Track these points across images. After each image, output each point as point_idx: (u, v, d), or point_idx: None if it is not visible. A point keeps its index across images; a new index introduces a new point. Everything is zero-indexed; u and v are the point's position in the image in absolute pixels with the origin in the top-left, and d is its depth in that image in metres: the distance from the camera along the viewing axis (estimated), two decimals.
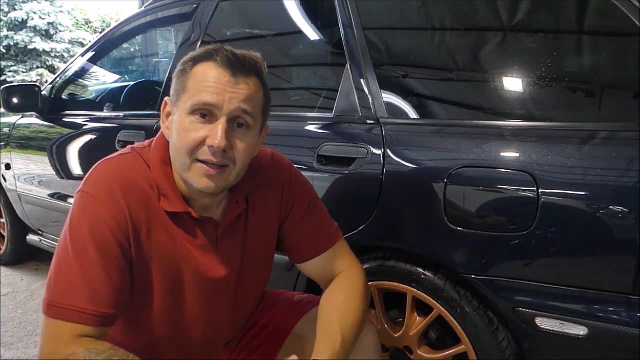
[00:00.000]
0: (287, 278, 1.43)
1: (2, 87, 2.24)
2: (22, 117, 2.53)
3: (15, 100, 2.22)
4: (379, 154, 1.27)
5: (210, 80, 0.81)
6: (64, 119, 2.30)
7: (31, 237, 2.59)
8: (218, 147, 0.80)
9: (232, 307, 1.00)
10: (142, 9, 2.25)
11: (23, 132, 2.51)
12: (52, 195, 2.29)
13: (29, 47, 11.98)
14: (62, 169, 2.22)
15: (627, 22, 1.08)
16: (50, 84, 2.42)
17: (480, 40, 1.32)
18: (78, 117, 2.25)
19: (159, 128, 1.76)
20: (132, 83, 2.60)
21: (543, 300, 1.10)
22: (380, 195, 1.26)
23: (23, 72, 11.95)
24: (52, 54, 12.22)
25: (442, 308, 1.24)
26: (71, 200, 2.17)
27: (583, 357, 1.09)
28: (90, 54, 2.38)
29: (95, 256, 0.80)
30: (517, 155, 1.12)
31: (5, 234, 2.76)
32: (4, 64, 11.95)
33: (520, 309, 1.12)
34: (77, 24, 13.78)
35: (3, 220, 2.76)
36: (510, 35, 1.26)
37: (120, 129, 1.92)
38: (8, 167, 2.55)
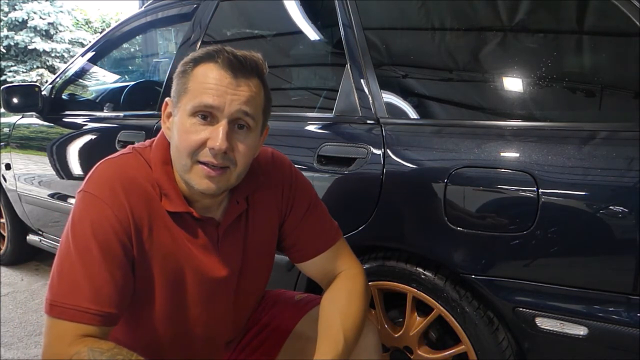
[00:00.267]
0: (287, 278, 1.43)
1: (2, 87, 2.24)
2: (22, 117, 2.53)
3: (15, 100, 2.22)
4: (379, 154, 1.28)
5: (211, 82, 0.81)
6: (64, 119, 2.30)
7: (31, 237, 2.59)
8: (219, 149, 0.80)
9: (232, 307, 1.01)
10: (142, 9, 2.25)
11: (23, 132, 2.51)
12: (52, 195, 2.29)
13: (29, 47, 11.99)
14: (62, 169, 2.22)
15: (627, 22, 1.08)
16: (50, 84, 2.42)
17: (480, 40, 1.32)
18: (78, 117, 2.25)
19: (159, 128, 1.76)
20: (132, 83, 2.60)
21: (543, 300, 1.10)
22: (380, 195, 1.26)
23: (23, 72, 11.96)
24: (52, 54, 12.23)
25: (442, 308, 1.24)
26: (71, 200, 2.17)
27: (583, 357, 1.09)
28: (90, 54, 2.38)
29: (98, 256, 0.80)
30: (517, 155, 1.12)
31: (5, 234, 2.76)
32: (4, 64, 11.96)
33: (520, 309, 1.12)
34: (77, 24, 13.78)
35: (3, 220, 2.76)
36: (510, 35, 1.26)
37: (120, 129, 1.92)
38: (8, 167, 2.55)
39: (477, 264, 1.15)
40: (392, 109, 1.34)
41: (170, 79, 1.84)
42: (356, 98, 1.38)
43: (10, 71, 11.93)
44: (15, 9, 11.97)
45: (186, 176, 0.85)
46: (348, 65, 1.41)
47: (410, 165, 1.24)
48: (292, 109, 1.64)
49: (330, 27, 1.58)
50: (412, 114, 1.34)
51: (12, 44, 11.99)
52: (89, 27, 14.34)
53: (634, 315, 1.01)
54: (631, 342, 1.01)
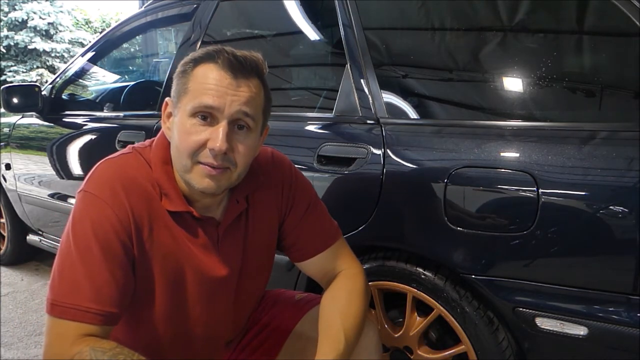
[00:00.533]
0: (287, 278, 1.43)
1: (2, 87, 2.24)
2: (22, 117, 2.53)
3: (15, 100, 2.22)
4: (379, 154, 1.28)
5: (211, 83, 0.81)
6: (64, 119, 2.30)
7: (31, 237, 2.59)
8: (219, 150, 0.80)
9: (233, 307, 1.01)
10: (142, 9, 2.25)
11: (23, 132, 2.51)
12: (52, 195, 2.29)
13: (29, 47, 11.99)
14: (62, 169, 2.22)
15: (627, 22, 1.08)
16: (50, 84, 2.42)
17: (480, 40, 1.32)
18: (78, 117, 2.25)
19: (158, 128, 1.76)
20: (132, 83, 2.60)
21: (543, 300, 1.10)
22: (380, 195, 1.26)
23: (23, 72, 11.95)
24: (52, 54, 12.23)
25: (442, 308, 1.24)
26: (71, 200, 2.17)
27: (583, 357, 1.09)
28: (90, 54, 2.38)
29: (99, 255, 0.80)
30: (517, 155, 1.12)
31: (5, 234, 2.76)
32: (4, 64, 11.96)
33: (520, 309, 1.12)
34: (77, 24, 13.78)
35: (3, 220, 2.76)
36: (510, 35, 1.26)
37: (120, 129, 1.92)
38: (8, 167, 2.55)
39: (477, 264, 1.15)
40: (392, 109, 1.34)
41: (170, 79, 1.84)
42: (356, 98, 1.38)
43: (10, 71, 11.93)
44: (15, 9, 11.96)
45: (187, 176, 0.85)
46: (348, 65, 1.41)
47: (410, 165, 1.24)
48: (292, 109, 1.64)
49: (330, 27, 1.58)
50: (412, 114, 1.34)
51: (12, 44, 11.99)
52: (89, 27, 14.34)
53: (634, 315, 1.01)
54: (631, 342, 1.01)
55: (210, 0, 1.82)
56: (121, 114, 2.11)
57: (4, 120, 2.64)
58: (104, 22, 14.66)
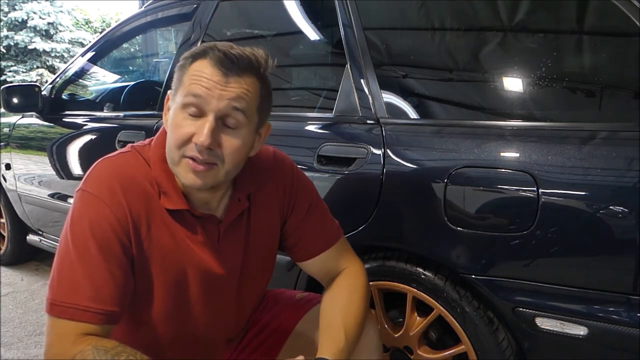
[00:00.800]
0: (287, 278, 1.43)
1: (2, 87, 2.24)
2: (22, 117, 2.53)
3: (15, 100, 2.22)
4: (379, 154, 1.28)
5: (203, 76, 0.80)
6: (64, 119, 2.30)
7: (31, 237, 2.59)
8: (201, 145, 0.79)
9: (234, 306, 1.01)
10: (142, 9, 2.25)
11: (23, 132, 2.51)
12: (52, 195, 2.29)
13: (29, 47, 11.99)
14: (62, 169, 2.22)
15: (627, 22, 1.08)
16: (50, 84, 2.42)
17: (480, 40, 1.32)
18: (78, 117, 2.25)
19: (158, 128, 1.76)
20: (132, 83, 2.60)
21: (543, 300, 1.10)
22: (380, 195, 1.26)
23: (23, 72, 11.95)
24: (52, 54, 12.23)
25: (442, 308, 1.24)
26: (71, 200, 2.17)
27: (583, 357, 1.09)
28: (90, 54, 2.38)
29: (97, 254, 0.80)
30: (517, 155, 1.12)
31: (5, 234, 2.76)
32: (4, 64, 11.96)
33: (520, 309, 1.12)
34: (77, 24, 13.78)
35: (3, 220, 2.76)
36: (510, 35, 1.26)
37: (120, 129, 1.92)
38: (8, 167, 2.55)
39: (477, 264, 1.15)
40: (392, 109, 1.34)
41: (170, 79, 1.85)
42: (356, 98, 1.38)
43: (10, 71, 11.93)
44: (15, 9, 11.96)
45: (175, 169, 0.85)
46: (348, 65, 1.41)
47: (410, 165, 1.24)
48: (292, 109, 1.64)
49: (330, 27, 1.58)
50: (412, 114, 1.34)
51: (12, 44, 11.99)
52: (89, 27, 14.34)
53: (634, 315, 1.01)
54: (631, 342, 1.01)
55: (210, 0, 1.82)
56: (121, 114, 2.11)
57: (4, 120, 2.64)
58: (104, 22, 14.65)
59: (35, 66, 12.12)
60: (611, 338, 1.04)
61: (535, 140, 1.12)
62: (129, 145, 0.93)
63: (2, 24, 11.87)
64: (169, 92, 0.89)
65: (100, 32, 10.85)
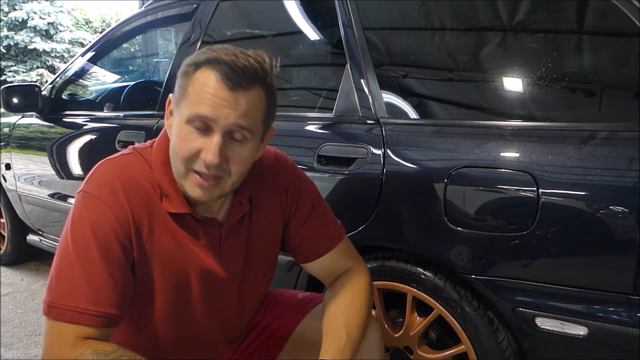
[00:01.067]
0: (287, 278, 1.43)
1: (2, 87, 2.24)
2: (22, 117, 2.53)
3: (15, 100, 2.22)
4: (379, 154, 1.27)
5: (209, 92, 0.78)
6: (64, 119, 2.30)
7: (31, 237, 2.59)
8: (211, 164, 0.79)
9: (235, 308, 1.00)
10: (142, 9, 2.25)
11: (23, 132, 2.51)
12: (52, 195, 2.29)
13: (29, 47, 11.98)
14: (62, 169, 2.22)
15: (627, 22, 1.08)
16: (50, 84, 2.42)
17: (480, 40, 1.32)
18: (78, 117, 2.25)
19: (158, 128, 1.76)
20: (132, 83, 2.60)
21: (543, 300, 1.10)
22: (380, 195, 1.26)
23: (23, 72, 11.95)
24: (52, 54, 12.22)
25: (442, 308, 1.24)
26: (71, 200, 2.17)
27: (583, 357, 1.09)
28: (90, 54, 2.38)
29: (97, 256, 0.79)
30: (517, 155, 1.12)
31: (5, 234, 2.76)
32: (4, 64, 11.95)
33: (520, 309, 1.12)
34: (77, 24, 13.78)
35: (3, 220, 2.76)
36: (510, 35, 1.26)
37: (120, 129, 1.92)
38: (8, 167, 2.55)
39: (477, 264, 1.15)
40: (392, 109, 1.34)
41: (170, 79, 1.85)
42: (356, 98, 1.38)
43: (10, 71, 11.92)
44: (15, 9, 11.96)
45: (181, 181, 0.85)
46: (348, 65, 1.41)
47: (410, 165, 1.24)
48: (292, 109, 1.64)
49: (330, 27, 1.58)
50: (412, 114, 1.34)
51: (12, 44, 11.99)
52: (89, 27, 14.34)
53: (634, 315, 1.01)
54: (631, 342, 1.01)
55: (210, 0, 1.82)
56: (121, 114, 2.11)
57: (4, 120, 2.64)
58: (104, 22, 14.65)
59: (35, 66, 12.11)
60: (611, 338, 1.04)
61: (535, 140, 1.12)
62: (131, 147, 0.92)
63: (2, 24, 11.86)
64: (170, 95, 0.88)
65: (100, 32, 10.86)
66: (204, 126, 0.80)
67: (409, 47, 1.44)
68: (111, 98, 2.56)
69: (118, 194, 0.82)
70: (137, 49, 3.38)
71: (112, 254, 0.81)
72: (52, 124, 2.34)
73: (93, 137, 2.11)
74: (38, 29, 12.09)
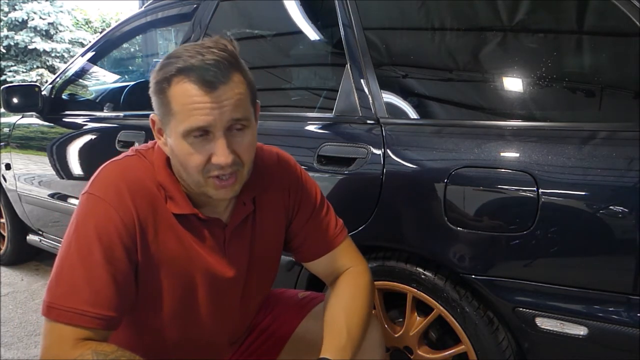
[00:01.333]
0: (287, 277, 1.43)
1: (2, 87, 2.24)
2: (22, 117, 2.53)
3: (15, 100, 2.22)
4: (379, 154, 1.27)
5: (194, 102, 0.77)
6: (64, 119, 2.30)
7: (31, 237, 2.59)
8: (225, 164, 0.80)
9: (239, 308, 1.00)
10: (142, 9, 2.25)
11: (23, 132, 2.51)
12: (52, 195, 2.28)
13: (29, 47, 11.99)
14: (62, 169, 2.22)
15: (627, 22, 1.08)
16: (50, 84, 2.42)
17: (480, 40, 1.32)
18: (78, 117, 2.25)
19: None
20: (132, 83, 2.60)
21: (543, 300, 1.10)
22: (380, 195, 1.26)
23: (23, 72, 11.95)
24: (52, 54, 12.23)
25: (442, 308, 1.24)
26: (71, 201, 2.17)
27: (583, 357, 1.09)
28: (90, 54, 2.38)
29: (100, 258, 0.79)
30: (517, 155, 1.12)
31: (5, 234, 2.76)
32: (4, 64, 11.95)
33: (520, 309, 1.12)
34: (77, 24, 13.78)
35: (3, 220, 2.76)
36: (510, 35, 1.26)
37: (120, 129, 1.92)
38: (8, 167, 2.55)
39: (477, 264, 1.15)
40: (392, 109, 1.34)
41: None
42: (356, 98, 1.38)
43: (10, 71, 11.92)
44: (15, 9, 11.96)
45: (202, 189, 0.84)
46: (348, 65, 1.41)
47: (410, 165, 1.24)
48: (292, 109, 1.64)
49: (330, 27, 1.58)
50: (412, 114, 1.34)
51: (12, 44, 11.99)
52: (89, 27, 14.34)
53: (634, 315, 1.01)
54: (631, 342, 1.01)
55: (210, 0, 1.82)
56: (121, 114, 2.11)
57: (4, 120, 2.64)
58: (104, 22, 14.65)
59: (35, 66, 12.12)
60: (611, 338, 1.04)
61: (535, 140, 1.12)
62: (132, 148, 0.92)
63: (2, 24, 11.86)
64: (152, 115, 0.86)
65: (100, 32, 10.85)
66: (203, 133, 0.79)
67: (409, 47, 1.44)
68: (111, 98, 2.56)
69: (124, 196, 0.82)
70: (137, 49, 3.38)
71: (115, 256, 0.80)
72: (52, 124, 2.34)
73: (93, 137, 2.11)
74: (38, 29, 12.09)
